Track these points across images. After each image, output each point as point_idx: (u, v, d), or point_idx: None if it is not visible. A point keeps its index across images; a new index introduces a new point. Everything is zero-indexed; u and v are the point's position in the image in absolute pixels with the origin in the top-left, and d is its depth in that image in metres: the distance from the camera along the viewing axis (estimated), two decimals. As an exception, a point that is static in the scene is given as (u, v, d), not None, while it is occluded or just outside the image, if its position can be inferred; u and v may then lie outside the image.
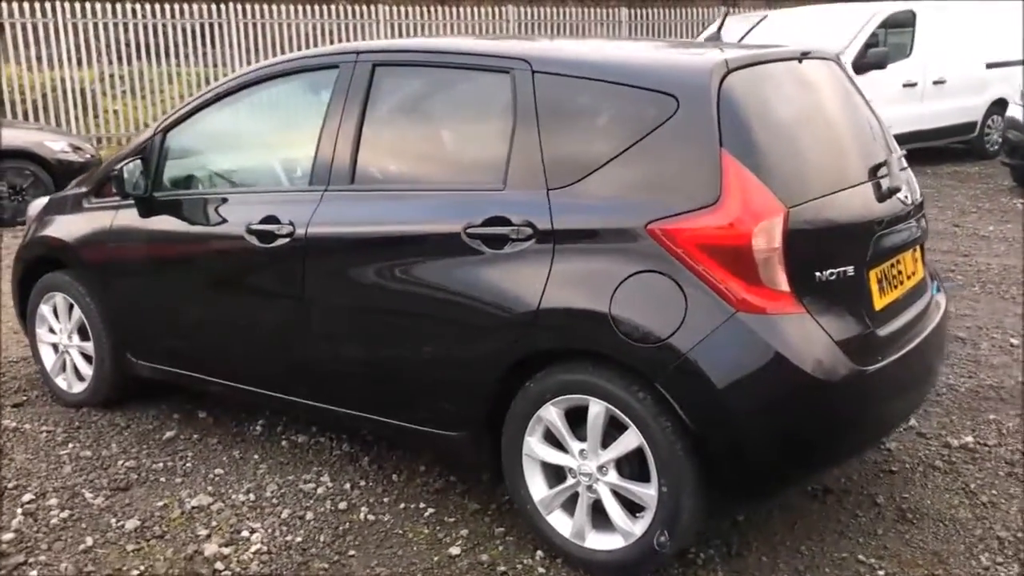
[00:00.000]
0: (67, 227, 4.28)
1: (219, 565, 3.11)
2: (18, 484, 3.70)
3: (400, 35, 16.96)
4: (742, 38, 11.57)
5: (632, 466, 2.88)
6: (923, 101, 11.70)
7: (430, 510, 3.44)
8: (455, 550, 3.17)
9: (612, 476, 2.91)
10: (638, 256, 2.77)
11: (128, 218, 4.00)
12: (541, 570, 3.05)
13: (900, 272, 3.17)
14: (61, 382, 4.49)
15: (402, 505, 3.48)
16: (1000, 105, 11.96)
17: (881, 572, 3.04)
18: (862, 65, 10.98)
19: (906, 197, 3.15)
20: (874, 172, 3.12)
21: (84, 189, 4.31)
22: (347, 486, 3.63)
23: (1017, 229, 8.22)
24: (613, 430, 2.89)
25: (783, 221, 2.70)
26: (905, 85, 11.54)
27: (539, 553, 3.12)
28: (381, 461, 3.82)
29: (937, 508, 3.42)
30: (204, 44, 15.54)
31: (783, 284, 2.71)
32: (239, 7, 15.28)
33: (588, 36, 18.49)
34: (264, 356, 3.69)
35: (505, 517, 3.34)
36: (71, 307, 4.35)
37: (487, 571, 3.05)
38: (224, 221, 3.69)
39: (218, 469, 3.82)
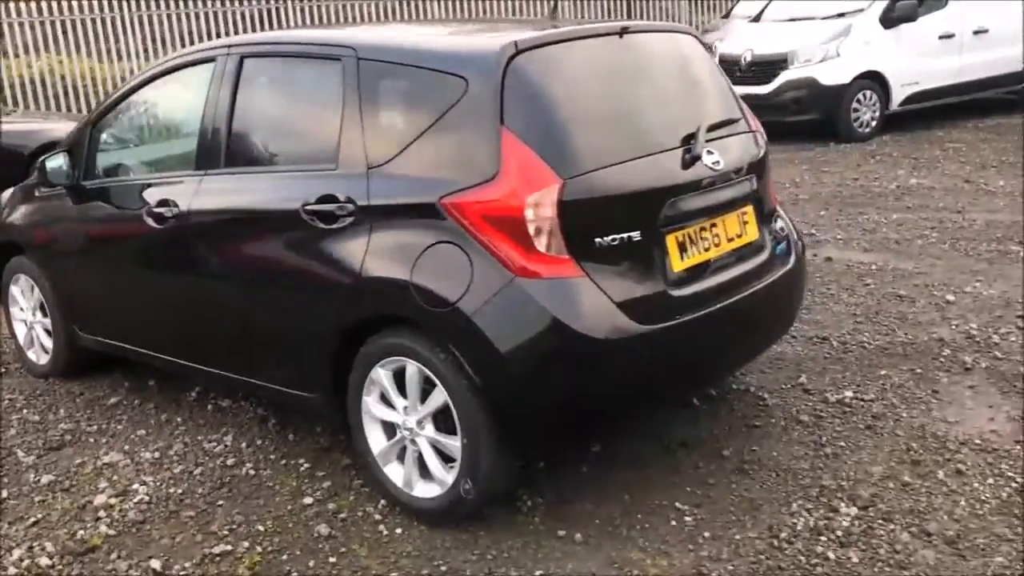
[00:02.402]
0: (23, 214, 4.75)
1: (102, 513, 3.50)
2: (-36, 445, 4.18)
3: (456, 12, 17.20)
4: (761, 12, 11.46)
5: (447, 421, 3.14)
6: (963, 53, 11.32)
7: (306, 465, 3.76)
8: (309, 500, 3.48)
9: (429, 430, 3.18)
10: (435, 228, 3.01)
11: (65, 205, 4.43)
12: (377, 516, 3.34)
13: (717, 235, 3.32)
14: (31, 355, 4.99)
15: (284, 461, 3.82)
16: (1051, 53, 11.51)
17: (689, 518, 3.22)
18: (890, 19, 10.74)
19: (717, 163, 3.27)
20: (686, 140, 3.26)
21: (37, 179, 4.75)
22: (243, 444, 3.99)
23: (1027, 183, 8.02)
24: (431, 388, 3.14)
25: (558, 192, 2.90)
26: (942, 37, 11.18)
27: (382, 503, 3.41)
28: (286, 423, 4.15)
29: (779, 460, 3.57)
30: (265, 30, 16.11)
31: (560, 250, 2.91)
32: (297, -9, 15.81)
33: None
34: (164, 325, 4.09)
35: (368, 472, 3.62)
36: (32, 287, 4.81)
37: (330, 517, 3.36)
38: (133, 205, 4.06)
39: (141, 430, 4.22)
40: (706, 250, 3.27)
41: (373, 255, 3.15)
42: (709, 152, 3.27)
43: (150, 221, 3.90)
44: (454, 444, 3.11)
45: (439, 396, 3.09)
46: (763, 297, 3.44)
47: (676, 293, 3.12)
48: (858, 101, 10.66)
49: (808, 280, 4.12)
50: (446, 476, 3.16)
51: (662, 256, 3.11)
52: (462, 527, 3.22)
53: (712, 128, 3.36)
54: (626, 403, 3.17)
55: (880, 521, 3.13)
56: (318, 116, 3.47)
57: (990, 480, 3.33)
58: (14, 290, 4.97)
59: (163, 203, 3.86)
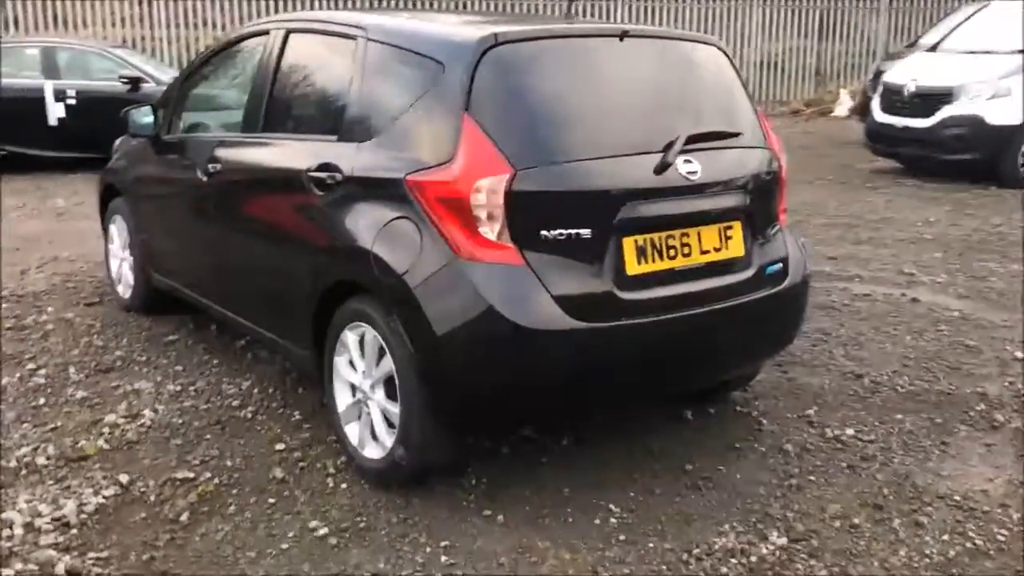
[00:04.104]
0: (120, 160, 5.28)
1: (106, 430, 3.87)
2: (34, 356, 4.70)
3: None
4: (939, 41, 10.90)
5: (394, 388, 3.29)
6: None
7: (298, 417, 4.01)
8: (281, 446, 3.72)
9: (379, 395, 3.34)
10: (399, 204, 3.17)
11: (147, 155, 4.89)
12: (332, 470, 3.54)
13: (688, 245, 3.29)
14: (120, 289, 5.52)
15: (281, 411, 4.08)
16: None
17: (615, 520, 3.22)
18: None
19: (693, 173, 3.24)
20: (666, 148, 3.25)
21: (128, 129, 5.24)
22: (256, 391, 4.28)
23: None
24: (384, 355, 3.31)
25: (507, 181, 2.99)
26: None
27: (342, 459, 3.60)
28: (303, 378, 4.40)
29: (738, 483, 3.49)
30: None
31: (503, 237, 3.00)
32: None
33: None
34: (203, 271, 4.47)
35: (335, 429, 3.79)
36: (124, 227, 5.32)
37: (290, 464, 3.58)
38: (192, 160, 4.45)
39: (179, 366, 4.61)
40: (671, 258, 3.25)
41: (349, 223, 3.35)
42: (687, 161, 3.25)
43: (200, 175, 4.27)
44: (395, 411, 3.25)
45: (387, 363, 3.24)
46: (737, 315, 3.38)
47: (625, 296, 3.13)
48: (1029, 145, 9.96)
49: (806, 305, 3.93)
50: (387, 441, 3.31)
51: (615, 257, 3.13)
52: (401, 492, 3.35)
53: (701, 138, 3.33)
54: (560, 397, 3.18)
55: (804, 556, 3.03)
56: (333, 89, 3.71)
57: (945, 536, 3.15)
58: (112, 229, 5.51)
59: (211, 160, 4.21)
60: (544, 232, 3.03)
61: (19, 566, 2.90)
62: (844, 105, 17.36)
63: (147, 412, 4.04)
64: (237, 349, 4.86)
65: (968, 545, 3.10)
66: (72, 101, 10.24)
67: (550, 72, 3.22)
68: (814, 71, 19.11)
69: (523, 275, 3.01)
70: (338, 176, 3.41)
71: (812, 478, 3.55)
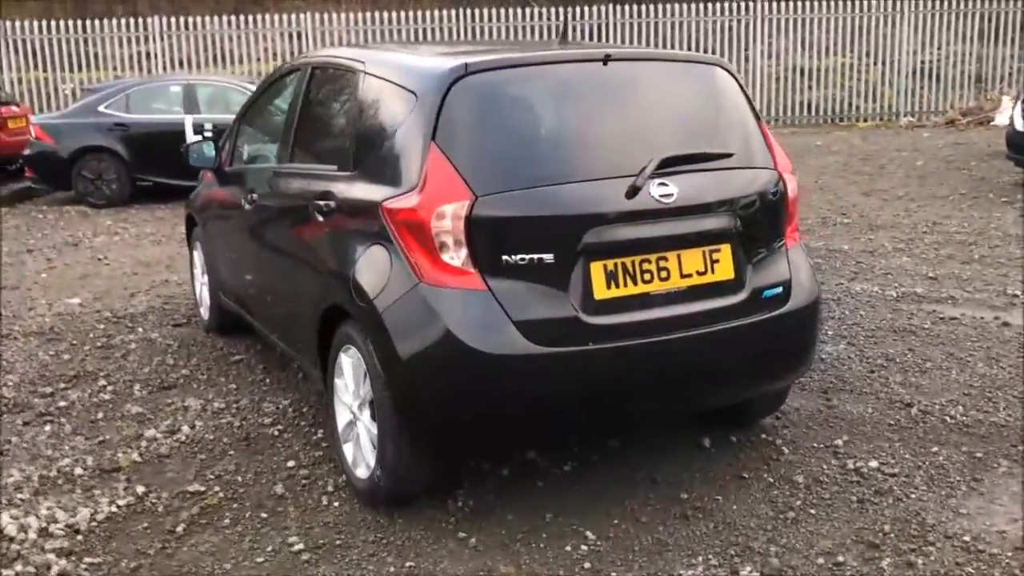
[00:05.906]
0: (196, 192, 5.63)
1: (144, 444, 4.14)
2: (108, 374, 5.07)
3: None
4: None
5: (379, 409, 3.38)
6: None
7: (320, 435, 4.16)
8: (292, 463, 3.88)
9: (366, 416, 3.44)
10: (376, 230, 3.27)
11: (212, 186, 5.21)
12: (330, 488, 3.65)
13: (666, 269, 3.22)
14: (202, 311, 5.88)
15: (307, 429, 4.24)
16: None
17: (586, 547, 3.18)
18: None
19: (667, 196, 3.18)
20: (642, 170, 3.20)
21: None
22: (291, 410, 4.47)
23: None
24: (374, 377, 3.41)
25: (468, 207, 3.03)
26: None
27: (343, 478, 3.71)
28: (341, 397, 4.57)
29: (731, 513, 3.38)
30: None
31: (465, 262, 3.05)
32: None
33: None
34: (251, 293, 4.70)
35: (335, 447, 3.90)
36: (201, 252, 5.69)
37: (294, 482, 3.72)
38: (242, 189, 4.71)
39: (234, 385, 4.87)
40: (647, 282, 3.19)
41: (338, 249, 3.49)
42: (662, 184, 3.19)
43: (244, 204, 4.52)
44: (375, 432, 3.34)
45: (368, 386, 3.34)
46: (723, 341, 3.29)
47: (592, 320, 3.10)
48: None
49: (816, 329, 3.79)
50: (371, 461, 3.40)
51: (582, 282, 3.10)
52: (387, 512, 3.43)
53: (682, 160, 3.25)
54: (524, 421, 3.16)
55: (770, 593, 2.91)
56: (338, 120, 3.86)
57: (935, 580, 2.95)
58: (195, 255, 5.88)
59: (251, 189, 4.45)
60: (507, 257, 3.05)
61: (19, 568, 3.15)
62: (1006, 113, 16.26)
63: (185, 428, 4.28)
64: (293, 369, 5.07)
65: (957, 590, 2.89)
66: (209, 133, 10.91)
67: (521, 100, 3.25)
68: (974, 78, 18.05)
69: (484, 300, 3.04)
70: (332, 204, 3.55)
71: (813, 512, 3.39)
